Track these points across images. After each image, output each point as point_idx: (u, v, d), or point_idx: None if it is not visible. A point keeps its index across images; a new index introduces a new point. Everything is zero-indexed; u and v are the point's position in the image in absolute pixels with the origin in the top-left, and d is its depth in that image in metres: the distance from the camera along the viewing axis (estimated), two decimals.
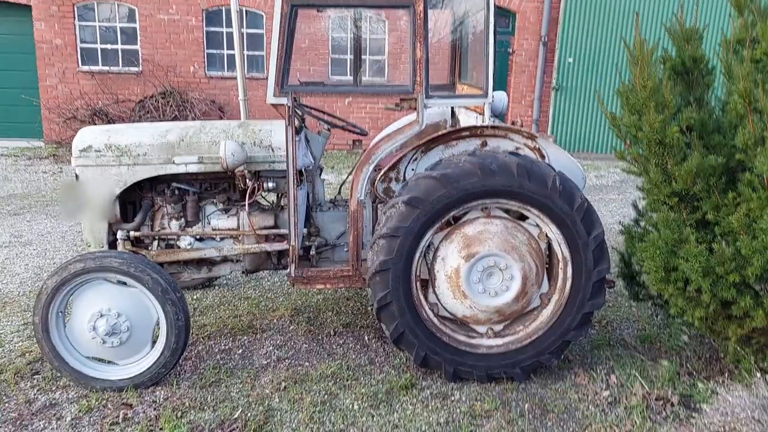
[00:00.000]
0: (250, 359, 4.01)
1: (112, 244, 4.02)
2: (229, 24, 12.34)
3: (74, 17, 12.05)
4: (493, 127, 3.67)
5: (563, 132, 13.01)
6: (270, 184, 4.00)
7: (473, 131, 3.68)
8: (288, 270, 3.94)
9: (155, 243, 4.10)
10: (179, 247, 4.10)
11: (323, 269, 3.96)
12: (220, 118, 12.05)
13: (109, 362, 3.64)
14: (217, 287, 5.24)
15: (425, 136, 3.75)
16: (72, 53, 12.16)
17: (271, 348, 4.16)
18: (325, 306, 4.87)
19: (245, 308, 4.82)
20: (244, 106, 4.56)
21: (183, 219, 4.11)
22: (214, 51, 12.48)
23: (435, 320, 3.67)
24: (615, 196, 9.18)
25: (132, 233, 3.96)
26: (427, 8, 3.53)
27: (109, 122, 11.68)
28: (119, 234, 3.92)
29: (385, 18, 12.21)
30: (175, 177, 4.03)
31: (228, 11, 12.25)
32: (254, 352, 4.10)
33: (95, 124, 11.70)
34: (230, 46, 12.47)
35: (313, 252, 4.09)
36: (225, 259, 4.20)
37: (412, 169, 3.78)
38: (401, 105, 3.76)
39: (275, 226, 4.12)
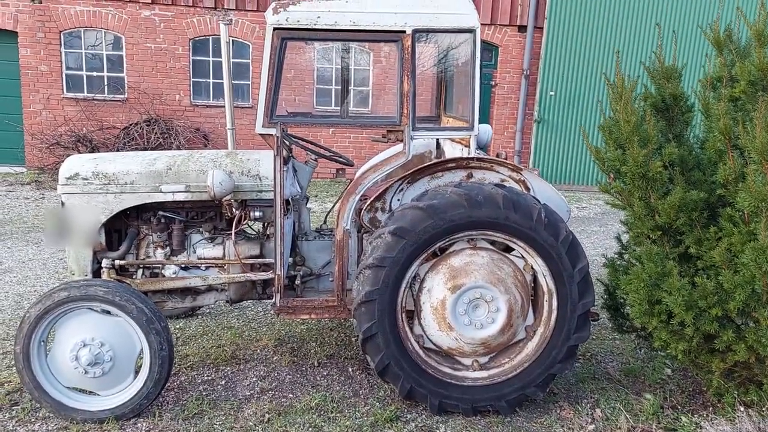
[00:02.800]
0: (233, 390, 3.96)
1: (97, 273, 3.98)
2: (215, 53, 12.43)
3: (60, 44, 12.05)
4: (478, 159, 3.73)
5: (545, 164, 13.18)
6: (257, 213, 4.01)
7: (459, 163, 3.73)
8: (273, 300, 3.93)
9: (140, 271, 4.07)
10: (164, 276, 4.07)
11: (308, 299, 3.95)
12: (205, 146, 12.07)
13: (90, 393, 3.57)
14: (199, 316, 5.19)
15: (411, 167, 3.79)
16: (57, 79, 12.13)
17: (254, 379, 4.12)
18: (309, 336, 4.84)
19: (228, 338, 4.77)
20: (231, 136, 4.57)
21: (168, 247, 4.09)
22: (200, 79, 12.54)
23: (420, 352, 3.66)
24: (597, 228, 9.29)
25: (117, 262, 3.92)
26: (415, 43, 3.61)
27: (92, 149, 11.64)
28: (104, 262, 3.89)
29: (369, 50, 12.40)
30: (161, 205, 4.02)
31: (215, 40, 12.36)
32: (237, 383, 4.05)
33: (79, 150, 11.64)
34: (216, 75, 12.54)
35: (298, 282, 4.08)
36: (210, 289, 4.18)
37: (398, 200, 3.81)
38: (388, 137, 3.81)
39: (261, 255, 4.12)
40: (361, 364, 4.36)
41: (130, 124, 11.96)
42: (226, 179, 3.77)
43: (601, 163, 3.74)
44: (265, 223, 4.17)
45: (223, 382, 4.06)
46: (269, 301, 4.56)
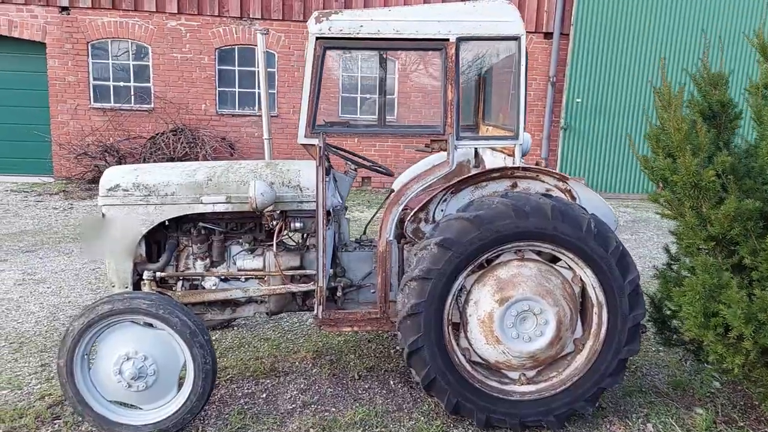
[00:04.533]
0: (274, 404, 3.91)
1: (136, 285, 3.97)
2: (240, 63, 12.51)
3: (88, 54, 12.20)
4: (524, 169, 3.66)
5: (571, 171, 13.05)
6: (297, 224, 3.98)
7: (504, 172, 3.67)
8: (314, 312, 3.88)
9: (180, 283, 4.05)
10: (204, 288, 4.05)
11: (350, 311, 3.90)
12: (231, 155, 12.12)
13: (133, 407, 3.55)
14: (235, 328, 5.16)
15: (455, 177, 3.74)
16: (84, 90, 12.28)
17: (295, 392, 4.07)
18: (347, 348, 4.78)
19: (266, 350, 4.73)
20: (268, 146, 4.55)
21: (208, 259, 4.07)
22: (226, 89, 12.61)
23: (467, 365, 3.59)
24: (628, 236, 9.14)
25: (158, 274, 3.91)
26: (459, 50, 3.56)
27: (120, 159, 11.74)
28: (146, 274, 3.87)
29: (394, 58, 12.38)
30: (201, 216, 4.00)
31: (240, 50, 12.44)
32: (278, 397, 4.00)
33: (106, 160, 11.76)
34: (241, 84, 12.61)
35: (339, 293, 4.03)
36: (250, 300, 4.14)
37: (441, 210, 3.75)
38: (431, 146, 3.76)
39: (301, 267, 4.08)
40: (402, 377, 4.29)
41: (157, 134, 12.05)
42: (268, 190, 3.75)
43: (649, 172, 3.65)
44: (305, 234, 4.13)
45: (264, 396, 4.01)
46: (304, 312, 4.52)
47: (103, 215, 3.87)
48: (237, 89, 12.65)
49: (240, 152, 12.35)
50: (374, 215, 4.63)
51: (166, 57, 12.31)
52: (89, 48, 12.23)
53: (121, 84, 12.45)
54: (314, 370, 4.39)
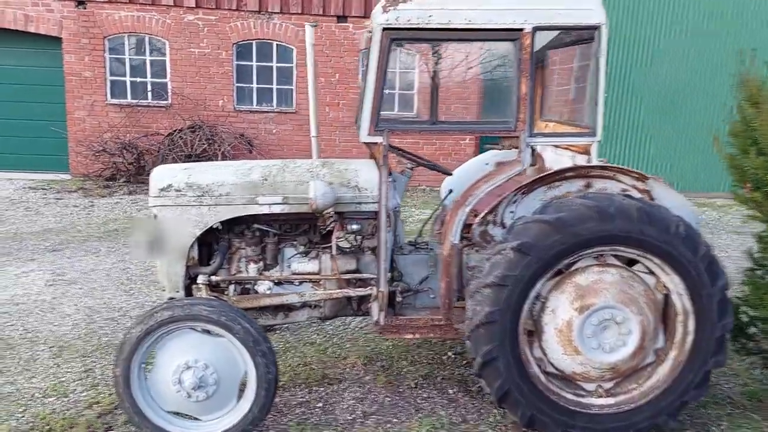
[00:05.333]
0: (332, 414, 3.73)
1: (187, 288, 3.80)
2: (259, 58, 12.30)
3: (104, 50, 12.01)
4: (601, 167, 3.47)
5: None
6: (354, 226, 3.79)
7: (580, 171, 3.47)
8: (375, 318, 3.70)
9: (232, 287, 3.87)
10: (257, 292, 3.87)
11: (413, 318, 3.72)
12: (250, 152, 11.93)
13: (191, 418, 3.37)
14: (278, 331, 4.98)
15: (527, 177, 3.55)
16: (101, 86, 12.08)
17: (352, 401, 3.89)
18: (397, 354, 4.60)
19: (313, 355, 4.55)
20: (316, 144, 4.38)
21: (261, 262, 3.89)
22: (244, 85, 12.40)
23: (541, 377, 3.40)
24: None
25: (212, 278, 3.73)
26: (534, 41, 3.37)
27: (138, 156, 11.57)
28: (201, 279, 3.70)
29: (417, 51, 12.18)
30: (255, 218, 3.81)
31: (258, 45, 12.24)
32: (335, 406, 3.83)
33: (125, 157, 11.58)
34: (259, 80, 12.40)
35: (399, 298, 3.84)
36: (304, 305, 3.96)
37: (511, 212, 3.56)
38: (501, 143, 3.57)
39: (357, 270, 3.90)
40: (460, 385, 4.11)
41: (174, 131, 11.85)
42: (329, 191, 3.56)
43: (736, 171, 3.46)
44: (361, 236, 3.93)
45: (320, 405, 3.84)
46: (361, 317, 4.34)
47: (155, 216, 3.69)
48: (255, 85, 12.44)
49: (258, 149, 12.15)
50: (431, 217, 4.45)
51: (184, 52, 12.11)
52: (106, 43, 12.03)
53: (138, 80, 12.25)
54: (367, 378, 4.21)
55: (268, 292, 3.86)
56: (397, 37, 3.40)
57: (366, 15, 12.22)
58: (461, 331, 3.64)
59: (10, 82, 12.09)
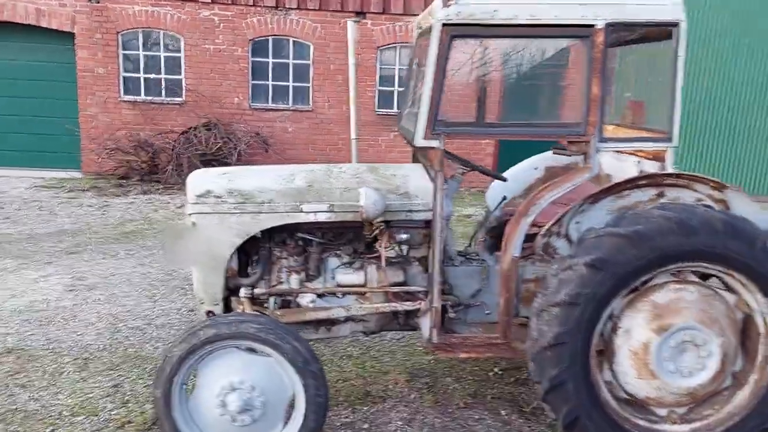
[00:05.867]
0: None
1: (225, 301, 3.57)
2: (275, 55, 12.06)
3: (118, 45, 11.77)
4: (676, 176, 3.22)
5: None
6: (403, 236, 3.55)
7: (654, 180, 3.22)
8: (427, 335, 3.46)
9: (272, 300, 3.64)
10: (298, 305, 3.63)
11: (468, 336, 3.49)
12: (266, 152, 11.70)
13: None
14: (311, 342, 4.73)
15: (595, 186, 3.30)
16: (114, 82, 11.85)
17: (399, 422, 3.66)
18: (440, 369, 4.36)
19: (351, 369, 4.32)
20: (355, 146, 4.15)
21: (303, 273, 3.65)
22: (259, 82, 12.16)
23: (612, 402, 3.16)
24: None
25: (255, 290, 3.50)
26: (607, 39, 3.11)
27: (153, 154, 11.33)
28: (242, 291, 3.46)
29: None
30: (297, 226, 3.57)
31: (275, 41, 11.99)
32: (383, 428, 3.60)
33: (139, 155, 11.36)
34: (276, 78, 12.16)
35: (452, 314, 3.60)
36: (348, 319, 3.72)
37: (577, 222, 3.32)
38: (569, 149, 3.32)
39: (404, 282, 3.66)
40: (513, 405, 3.87)
41: (189, 128, 11.62)
42: (380, 199, 3.32)
43: None
44: (408, 246, 3.69)
45: (365, 426, 3.61)
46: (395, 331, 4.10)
47: (193, 224, 3.45)
48: (270, 82, 12.19)
49: (274, 148, 11.90)
50: (481, 226, 4.20)
51: (199, 48, 11.86)
52: (119, 38, 11.80)
53: (152, 76, 12.01)
54: (412, 396, 3.98)
55: (311, 305, 3.62)
56: (458, 33, 3.15)
57: (384, 11, 11.97)
58: (520, 350, 3.41)
59: (21, 77, 11.85)
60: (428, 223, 3.53)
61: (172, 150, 11.41)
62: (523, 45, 4.55)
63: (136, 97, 11.97)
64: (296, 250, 3.62)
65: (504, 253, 3.34)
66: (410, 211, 3.49)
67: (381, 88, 12.20)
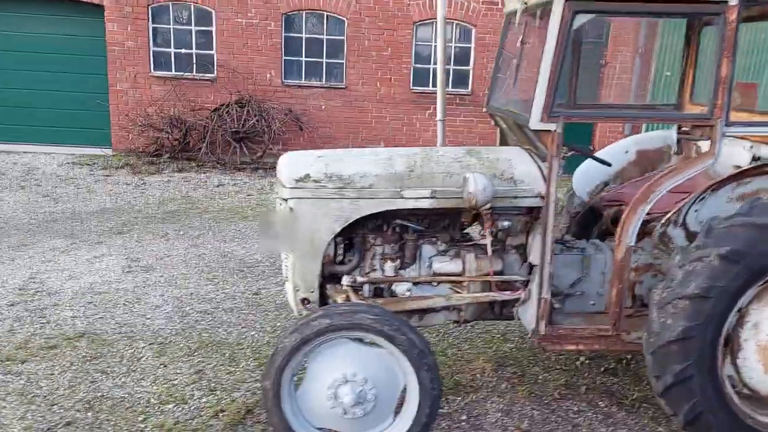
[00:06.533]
0: (482, 429, 3.41)
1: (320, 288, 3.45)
2: (308, 30, 11.81)
3: (148, 18, 11.54)
4: None
5: None
6: (505, 223, 3.41)
7: None
8: (533, 326, 3.34)
9: (366, 288, 3.52)
10: (392, 293, 3.52)
11: (576, 327, 3.36)
12: (301, 129, 11.54)
13: None
14: None
15: (720, 173, 3.14)
16: (144, 57, 11.64)
17: (498, 414, 3.56)
18: (524, 358, 4.25)
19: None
20: (442, 128, 3.98)
21: (398, 260, 3.53)
22: (292, 58, 11.93)
23: (734, 398, 3.04)
24: None
25: (358, 278, 3.38)
26: (740, 17, 2.93)
27: (186, 132, 11.17)
28: (346, 280, 3.34)
29: (472, 25, 11.68)
30: (394, 212, 3.43)
31: (308, 15, 11.74)
32: (482, 420, 3.50)
33: (172, 133, 11.20)
34: (308, 53, 11.92)
35: (557, 305, 3.48)
36: (443, 308, 3.61)
37: (695, 211, 3.18)
38: (693, 133, 3.16)
39: (501, 271, 3.54)
40: (610, 397, 3.76)
41: (221, 105, 11.43)
42: (489, 185, 3.18)
43: None
44: (508, 234, 3.55)
45: (464, 417, 3.51)
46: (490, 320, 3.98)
47: (291, 209, 3.31)
48: (304, 58, 11.96)
49: (307, 126, 11.72)
50: (580, 213, 4.05)
51: (230, 22, 11.61)
52: (149, 11, 11.56)
53: (183, 51, 11.79)
54: (503, 386, 3.87)
55: (407, 293, 3.51)
56: (582, 9, 2.98)
57: None
58: (630, 343, 3.29)
59: (49, 50, 11.64)
60: (530, 210, 3.40)
61: (204, 128, 11.25)
62: (647, 22, 4.35)
63: (166, 72, 11.76)
64: (393, 237, 3.49)
65: (619, 241, 3.20)
66: (515, 197, 3.34)
67: (416, 65, 11.94)
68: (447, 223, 3.57)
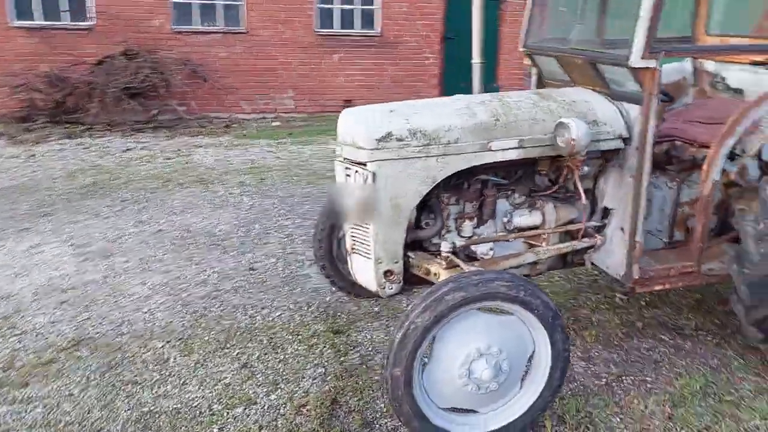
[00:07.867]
0: (576, 381, 3.33)
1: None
2: None
3: None
4: None
5: None
6: (585, 168, 3.27)
7: None
8: (623, 271, 3.27)
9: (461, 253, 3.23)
10: (476, 254, 3.28)
11: (664, 267, 3.34)
12: (205, 81, 10.52)
13: (466, 412, 2.81)
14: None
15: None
16: (2, 4, 9.87)
17: (582, 363, 3.50)
18: (563, 302, 4.21)
19: None
20: (479, 71, 3.69)
21: (475, 218, 3.28)
22: (182, 1, 10.71)
23: None
24: None
25: (457, 242, 3.08)
26: None
27: (70, 91, 9.72)
28: (445, 246, 3.02)
29: None
30: (476, 167, 3.15)
31: None
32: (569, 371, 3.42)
33: (51, 93, 9.69)
34: None
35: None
36: (519, 264, 3.43)
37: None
38: None
39: (577, 219, 3.43)
40: (669, 331, 3.81)
41: (105, 58, 10.08)
42: (586, 129, 2.99)
43: None
44: (586, 179, 3.41)
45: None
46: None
47: (373, 174, 2.90)
48: (195, 0, 10.80)
49: (213, 80, 10.69)
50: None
51: None
52: None
53: None
54: (586, 332, 3.80)
55: (490, 253, 3.29)
56: None
57: None
58: (711, 276, 3.36)
59: None
60: (604, 153, 3.29)
61: (89, 84, 9.88)
62: None
63: (31, 22, 10.09)
64: (473, 195, 3.22)
65: (705, 176, 3.19)
66: (599, 140, 3.19)
67: (321, 6, 11.26)
68: (522, 174, 3.36)
